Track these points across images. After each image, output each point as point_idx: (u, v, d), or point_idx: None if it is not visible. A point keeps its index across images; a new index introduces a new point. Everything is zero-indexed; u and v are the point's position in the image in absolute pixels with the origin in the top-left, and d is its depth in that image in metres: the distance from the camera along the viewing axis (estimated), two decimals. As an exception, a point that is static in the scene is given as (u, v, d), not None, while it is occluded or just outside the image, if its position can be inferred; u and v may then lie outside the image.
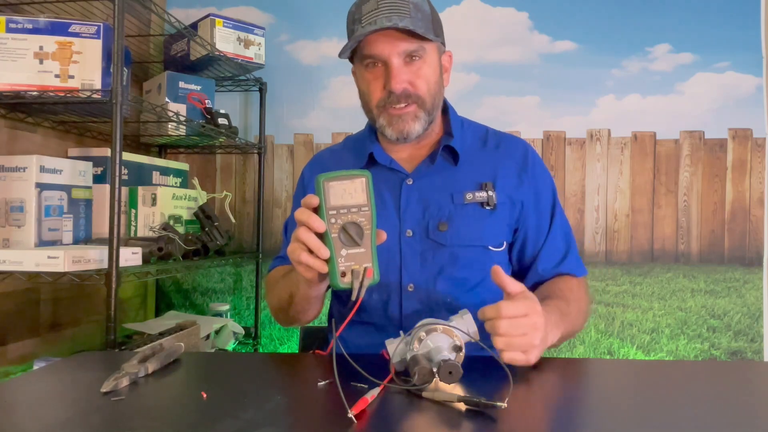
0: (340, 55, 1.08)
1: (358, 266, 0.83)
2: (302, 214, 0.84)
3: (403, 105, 1.07)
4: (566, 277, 1.13)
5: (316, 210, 0.84)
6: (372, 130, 1.19)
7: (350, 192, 0.84)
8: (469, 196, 1.10)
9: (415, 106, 1.07)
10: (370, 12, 1.03)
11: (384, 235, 0.87)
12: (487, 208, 1.10)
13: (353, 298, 0.82)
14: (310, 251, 0.85)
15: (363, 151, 1.17)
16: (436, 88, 1.10)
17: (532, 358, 0.86)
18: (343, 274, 0.83)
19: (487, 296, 1.10)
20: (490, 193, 1.10)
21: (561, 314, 0.97)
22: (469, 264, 1.10)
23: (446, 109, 1.18)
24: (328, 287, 1.01)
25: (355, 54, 1.10)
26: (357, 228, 0.83)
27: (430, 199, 1.12)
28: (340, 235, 0.83)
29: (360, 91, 1.13)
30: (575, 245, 1.17)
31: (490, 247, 1.11)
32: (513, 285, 0.89)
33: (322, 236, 0.84)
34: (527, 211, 1.14)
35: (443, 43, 1.14)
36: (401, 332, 0.86)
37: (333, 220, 0.83)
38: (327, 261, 0.84)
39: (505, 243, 1.13)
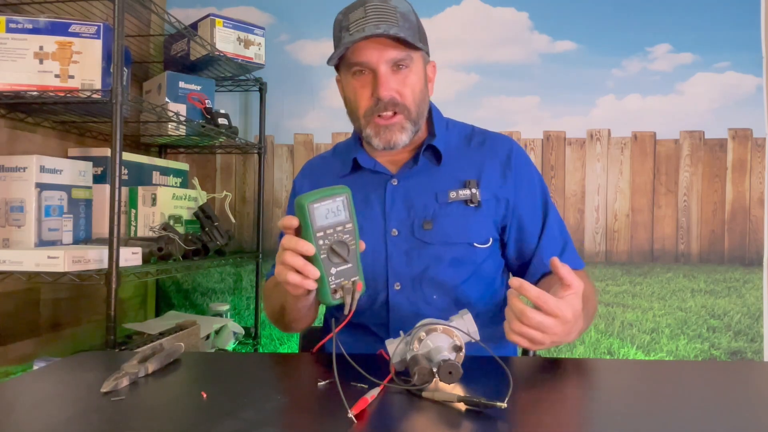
0: (329, 62, 1.09)
1: (347, 282, 0.84)
2: (289, 241, 0.83)
3: (390, 113, 1.06)
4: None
5: (298, 231, 0.84)
6: (357, 137, 1.19)
7: (333, 211, 0.83)
8: (452, 194, 1.11)
9: (401, 117, 1.07)
10: (358, 20, 1.04)
11: (363, 244, 0.87)
12: (471, 205, 1.10)
13: (346, 312, 0.83)
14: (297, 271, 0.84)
15: (348, 157, 1.17)
16: (421, 97, 1.10)
17: (535, 349, 0.90)
18: (335, 291, 0.84)
19: (473, 293, 1.10)
20: (474, 190, 1.10)
21: (584, 316, 0.93)
22: (455, 261, 1.10)
23: (430, 110, 1.18)
24: None
25: (341, 61, 1.10)
26: (344, 246, 0.83)
27: (415, 198, 1.12)
28: (329, 255, 0.83)
29: (346, 99, 1.14)
30: (570, 238, 1.17)
31: (476, 244, 1.11)
32: (570, 277, 0.84)
33: (310, 258, 0.83)
34: (515, 208, 1.13)
35: (428, 53, 1.14)
36: (401, 332, 0.86)
37: (321, 242, 0.82)
38: (316, 279, 0.84)
39: (491, 240, 1.12)
